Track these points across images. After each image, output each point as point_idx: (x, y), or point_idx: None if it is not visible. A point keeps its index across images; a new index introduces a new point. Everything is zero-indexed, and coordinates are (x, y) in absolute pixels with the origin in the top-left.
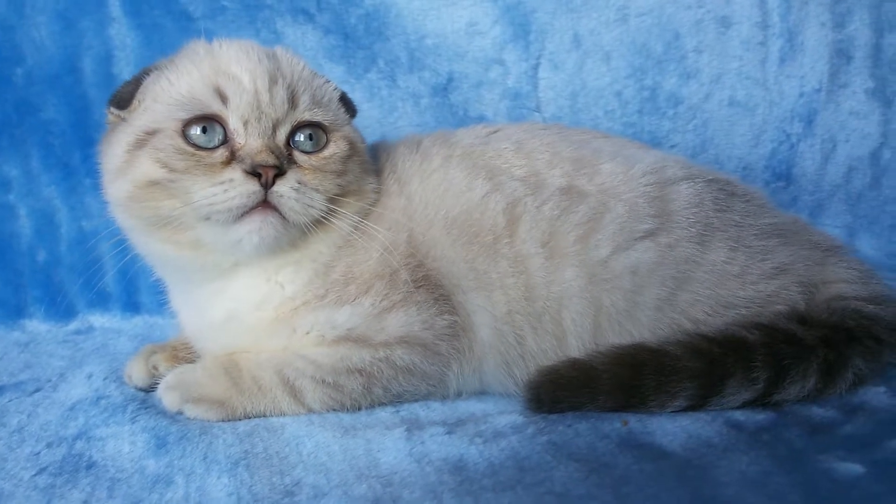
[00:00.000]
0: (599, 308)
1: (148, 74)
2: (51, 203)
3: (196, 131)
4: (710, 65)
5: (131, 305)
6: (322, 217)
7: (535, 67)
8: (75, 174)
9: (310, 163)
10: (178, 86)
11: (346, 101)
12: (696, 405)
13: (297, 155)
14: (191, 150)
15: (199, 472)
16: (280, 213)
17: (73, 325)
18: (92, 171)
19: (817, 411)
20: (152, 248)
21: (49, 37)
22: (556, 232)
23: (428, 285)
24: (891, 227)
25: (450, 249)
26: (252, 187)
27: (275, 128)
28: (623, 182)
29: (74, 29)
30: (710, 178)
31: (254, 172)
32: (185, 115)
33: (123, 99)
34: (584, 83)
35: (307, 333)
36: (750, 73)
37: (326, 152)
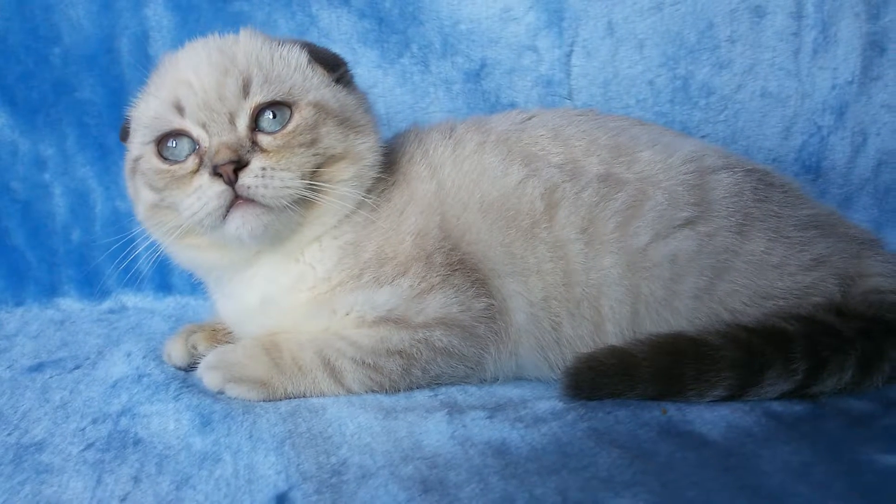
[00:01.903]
0: (638, 296)
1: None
2: (85, 183)
3: (170, 146)
4: (743, 55)
5: (164, 286)
6: (306, 192)
7: (569, 55)
8: (110, 154)
9: (274, 143)
10: (147, 108)
11: (324, 59)
12: (734, 395)
13: (262, 138)
14: (166, 166)
15: (246, 450)
16: (257, 203)
17: (107, 305)
18: None
19: (855, 404)
20: (182, 254)
21: (86, 16)
22: (595, 218)
23: (464, 269)
24: None
25: (486, 233)
26: (218, 188)
27: (232, 120)
28: (662, 170)
29: (111, 9)
30: (749, 167)
31: (216, 173)
32: (152, 137)
33: (124, 130)
34: (616, 71)
35: (347, 314)
36: (783, 64)
37: (289, 126)
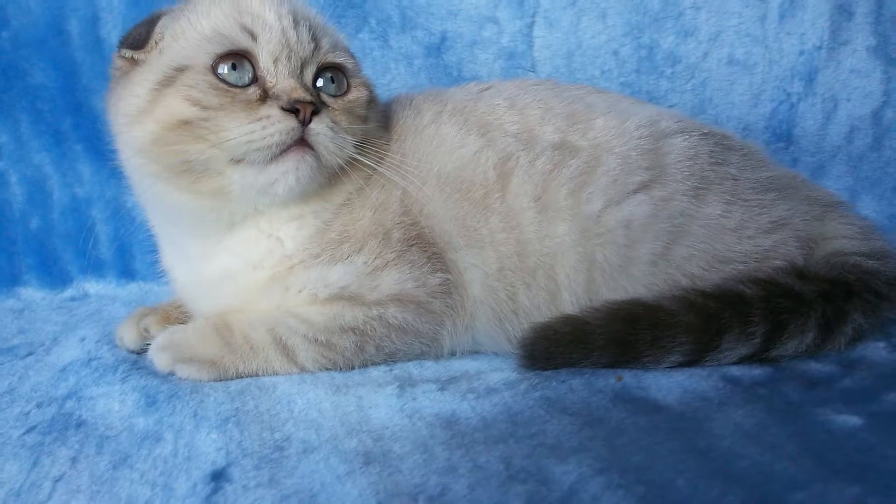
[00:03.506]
0: (593, 263)
1: (160, 17)
2: (42, 170)
3: (225, 69)
4: (709, 22)
5: (126, 272)
6: (351, 160)
7: (530, 26)
8: (66, 140)
9: (337, 105)
10: (201, 24)
11: (351, 54)
12: (691, 360)
13: (325, 97)
14: (224, 86)
15: (188, 429)
16: (315, 153)
17: (68, 293)
18: (83, 137)
19: (815, 366)
20: (168, 197)
21: None
22: (548, 187)
23: (421, 243)
24: (893, 188)
25: (442, 207)
26: (291, 123)
27: (302, 67)
28: (616, 136)
29: None
30: (706, 131)
31: (291, 109)
32: (218, 50)
33: (139, 39)
34: (579, 42)
35: (300, 292)
36: (749, 31)
37: (351, 96)
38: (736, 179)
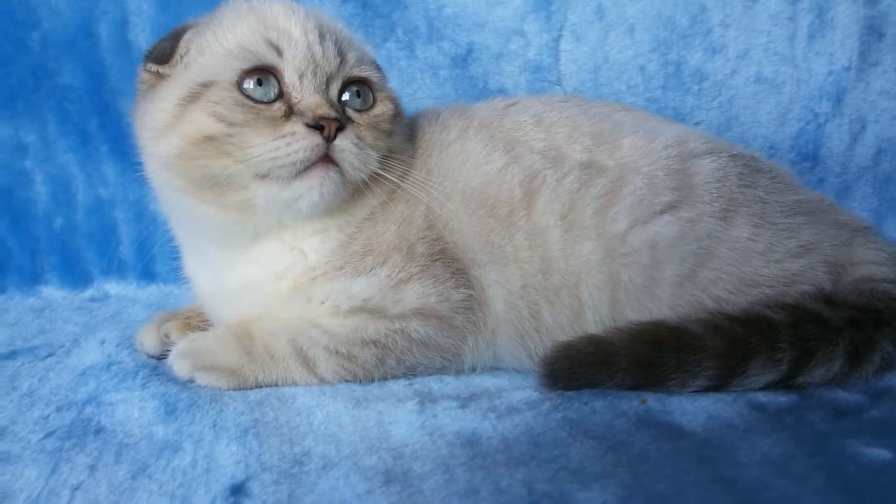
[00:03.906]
0: (617, 283)
1: (185, 31)
2: (67, 170)
3: (251, 84)
4: (737, 40)
5: (147, 274)
6: (375, 175)
7: (557, 39)
8: (92, 141)
9: (362, 120)
10: (226, 39)
11: (377, 64)
12: (717, 385)
13: (350, 112)
14: (249, 102)
15: (208, 440)
16: (340, 169)
17: (89, 293)
18: (109, 138)
19: (843, 395)
20: (194, 210)
21: (64, 0)
22: (575, 205)
23: (445, 259)
24: None
25: (466, 223)
26: (316, 140)
27: (328, 82)
28: (643, 156)
29: None
30: (734, 153)
31: (316, 126)
32: (244, 66)
33: (164, 53)
34: (606, 56)
35: (322, 303)
36: (777, 49)
37: (376, 110)
38: (764, 202)
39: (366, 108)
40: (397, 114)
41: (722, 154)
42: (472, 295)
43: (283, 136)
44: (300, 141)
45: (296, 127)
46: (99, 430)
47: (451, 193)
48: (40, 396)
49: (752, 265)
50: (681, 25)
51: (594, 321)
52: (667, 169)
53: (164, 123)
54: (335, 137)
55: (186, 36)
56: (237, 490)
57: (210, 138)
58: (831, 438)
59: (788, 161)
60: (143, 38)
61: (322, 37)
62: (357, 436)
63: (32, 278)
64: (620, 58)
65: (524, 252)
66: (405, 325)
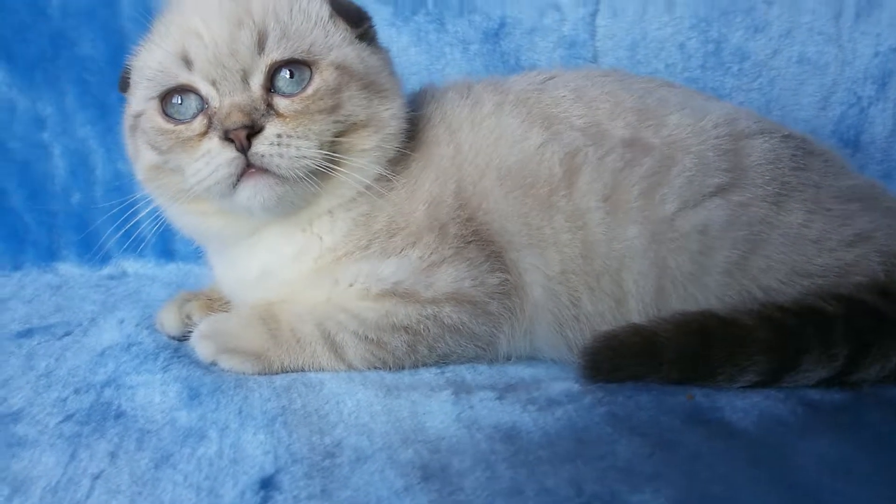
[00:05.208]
0: (664, 269)
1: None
2: (86, 143)
3: (174, 103)
4: (781, 18)
5: (166, 252)
6: (324, 164)
7: (594, 14)
8: (112, 114)
9: (291, 108)
10: (150, 59)
11: (347, 12)
12: (767, 381)
13: (278, 101)
14: (170, 126)
15: (234, 427)
16: (271, 173)
17: (107, 270)
18: None
19: None
20: (184, 220)
21: None
22: (618, 185)
23: (479, 241)
24: None
25: (502, 202)
26: (229, 154)
27: (245, 78)
28: (692, 134)
29: None
30: (787, 133)
31: (227, 138)
32: (156, 93)
33: (123, 81)
34: (644, 33)
35: (351, 286)
36: (822, 29)
37: (309, 90)
38: (818, 187)
39: (301, 89)
40: (347, 79)
41: (774, 134)
42: (508, 280)
43: (202, 157)
44: (216, 158)
45: (211, 143)
46: (119, 415)
47: (484, 171)
48: (58, 377)
49: (804, 253)
50: (722, 2)
51: (637, 310)
52: (717, 149)
53: (129, 153)
54: (249, 146)
55: (128, 63)
56: (267, 483)
57: (156, 167)
58: (891, 439)
59: (828, 146)
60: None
61: (238, 25)
62: (390, 426)
63: (49, 255)
64: (659, 35)
65: (564, 235)
66: (437, 310)
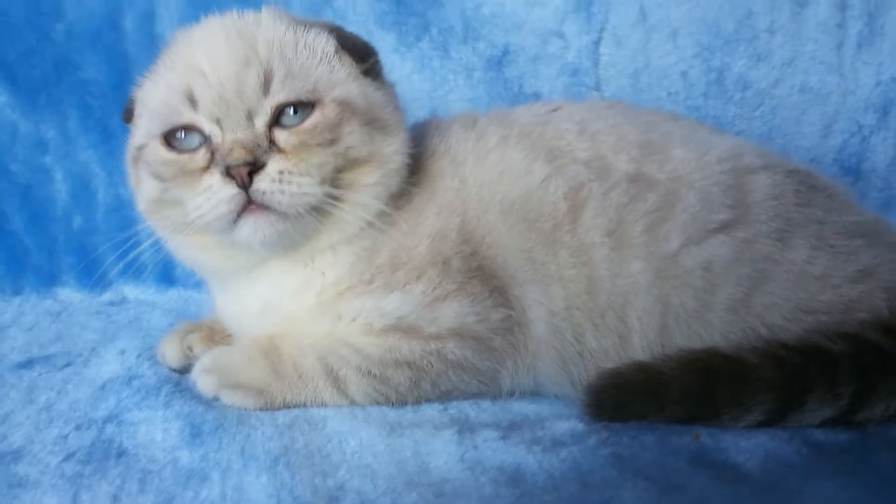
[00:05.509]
0: (668, 306)
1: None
2: (88, 168)
3: (178, 138)
4: (783, 47)
5: (167, 278)
6: (325, 201)
7: (597, 42)
8: (114, 138)
9: (290, 141)
10: (155, 93)
11: (353, 47)
12: (772, 420)
13: (278, 134)
14: (173, 156)
15: (237, 469)
16: (272, 210)
17: (107, 296)
18: None
19: None
20: (185, 252)
21: None
22: (623, 221)
23: (482, 276)
24: None
25: (506, 237)
26: (230, 191)
27: (250, 117)
28: (696, 169)
29: None
30: (791, 168)
31: (229, 174)
32: (159, 130)
33: (128, 111)
34: (647, 61)
35: (353, 320)
36: (825, 58)
37: (307, 124)
38: (822, 223)
39: (300, 122)
40: (349, 115)
41: (778, 169)
42: (511, 315)
43: (203, 192)
44: (217, 194)
45: (212, 179)
46: (121, 454)
47: (488, 205)
48: (59, 412)
49: (808, 290)
50: (726, 30)
51: (641, 347)
52: (721, 185)
53: (131, 183)
54: (251, 182)
55: (133, 95)
56: None
57: (157, 199)
58: None
59: (830, 175)
60: (170, 32)
61: (245, 65)
62: (394, 468)
63: (49, 279)
64: (662, 63)
65: (569, 270)
66: (441, 346)
